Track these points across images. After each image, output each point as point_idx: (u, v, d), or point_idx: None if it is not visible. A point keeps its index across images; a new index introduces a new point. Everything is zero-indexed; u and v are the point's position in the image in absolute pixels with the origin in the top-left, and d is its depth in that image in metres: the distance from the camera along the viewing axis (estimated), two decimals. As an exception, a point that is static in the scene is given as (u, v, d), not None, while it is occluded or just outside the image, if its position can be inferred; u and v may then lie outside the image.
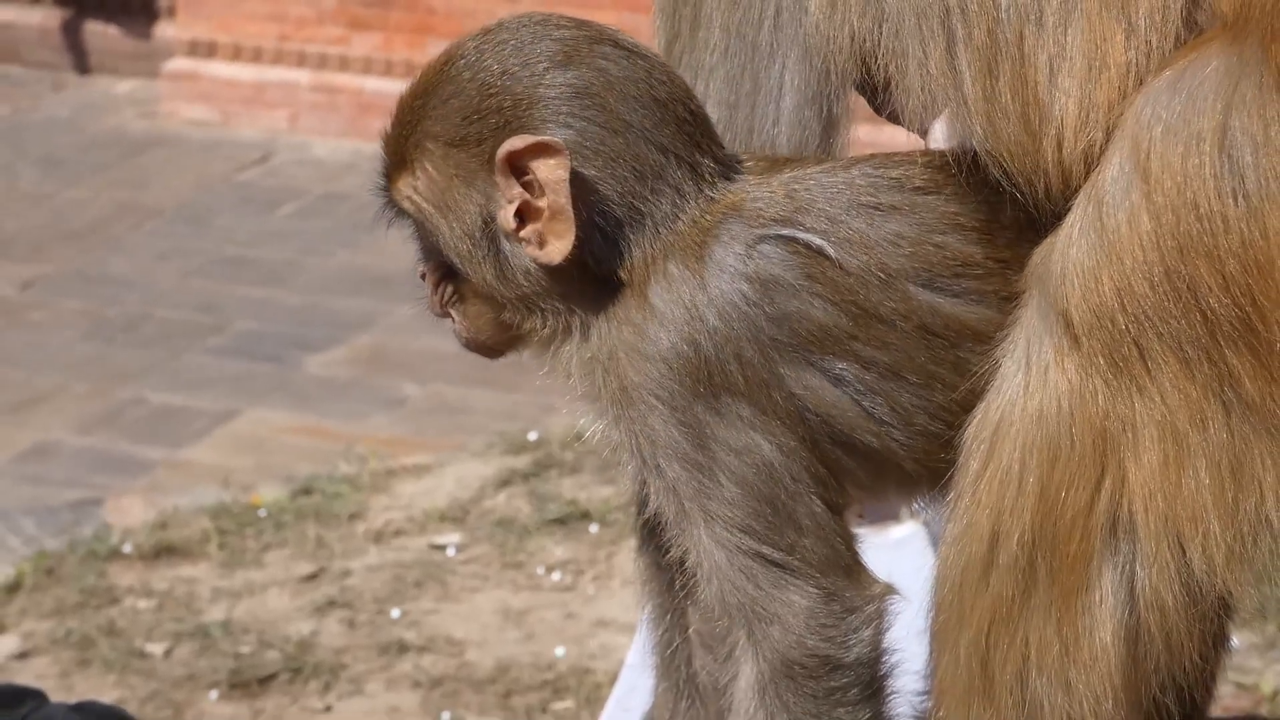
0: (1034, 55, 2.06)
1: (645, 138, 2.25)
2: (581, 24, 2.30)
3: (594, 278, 2.26)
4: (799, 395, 2.19)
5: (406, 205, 2.36)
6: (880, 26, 2.18)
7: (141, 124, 12.67)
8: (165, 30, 13.04)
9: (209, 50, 12.72)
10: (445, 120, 2.29)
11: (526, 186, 2.24)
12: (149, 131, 12.57)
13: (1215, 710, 2.75)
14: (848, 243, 2.20)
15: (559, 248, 2.24)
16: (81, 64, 13.34)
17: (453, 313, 2.41)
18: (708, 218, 2.22)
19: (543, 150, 2.22)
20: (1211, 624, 2.05)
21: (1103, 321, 1.97)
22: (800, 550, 2.16)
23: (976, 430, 2.07)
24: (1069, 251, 2.00)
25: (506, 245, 2.28)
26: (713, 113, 2.31)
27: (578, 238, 2.25)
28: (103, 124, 12.71)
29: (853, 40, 2.22)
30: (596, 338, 2.27)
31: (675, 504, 2.21)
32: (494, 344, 2.45)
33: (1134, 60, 2.01)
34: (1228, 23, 1.95)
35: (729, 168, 2.26)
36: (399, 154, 2.37)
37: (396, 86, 10.16)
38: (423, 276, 2.40)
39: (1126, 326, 1.96)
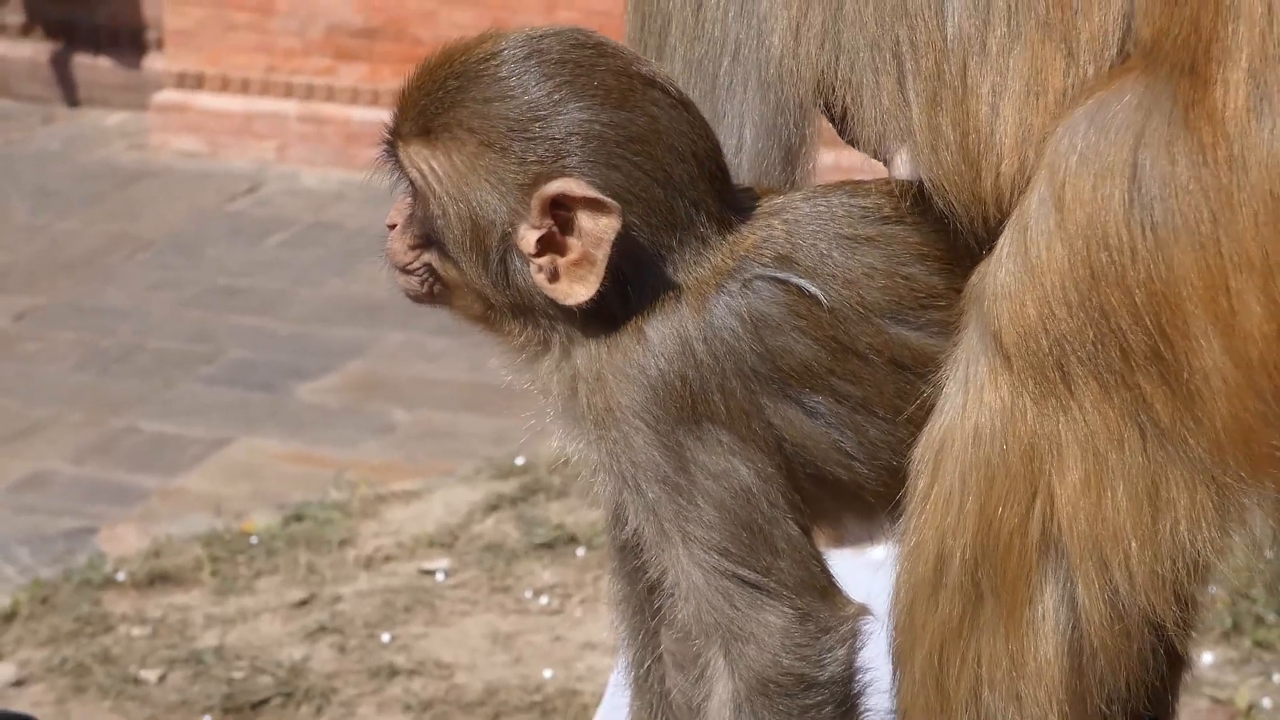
0: (977, 85, 2.07)
1: (681, 191, 2.24)
2: (632, 58, 2.29)
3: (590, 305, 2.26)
4: (777, 425, 2.20)
5: (414, 175, 2.30)
6: (838, 59, 2.19)
7: (132, 155, 12.67)
8: (154, 62, 13.05)
9: (197, 82, 12.73)
10: (486, 120, 2.25)
11: (559, 221, 2.22)
12: (139, 163, 12.57)
13: None
14: (831, 278, 2.21)
15: (579, 291, 2.23)
16: (71, 97, 13.34)
17: (414, 274, 2.36)
18: (729, 263, 2.22)
19: (596, 206, 2.20)
20: (1160, 639, 2.05)
21: (1029, 343, 1.98)
22: (776, 572, 2.17)
23: (923, 451, 2.09)
24: (998, 274, 2.02)
25: (515, 260, 2.26)
26: None
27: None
28: (93, 156, 12.71)
29: (813, 73, 2.23)
30: (582, 357, 2.26)
31: (655, 524, 2.21)
32: (441, 301, 2.40)
33: (1071, 86, 2.02)
34: (1145, 52, 1.97)
35: (744, 212, 2.25)
36: (423, 125, 2.31)
37: (384, 116, 10.10)
38: (391, 226, 2.34)
39: (1049, 348, 1.97)
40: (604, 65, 2.26)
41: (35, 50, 13.41)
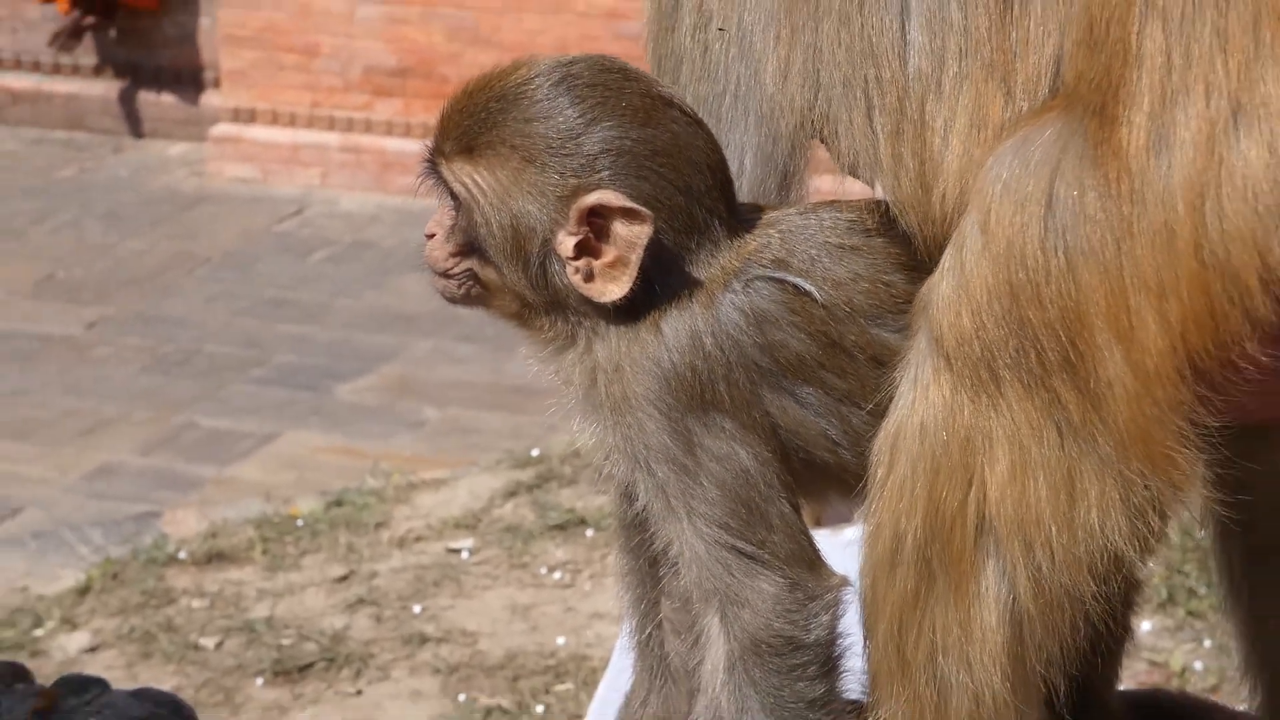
0: (932, 119, 2.07)
1: (699, 199, 2.22)
2: (652, 81, 2.29)
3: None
4: (773, 414, 2.19)
5: (458, 188, 2.25)
6: (817, 95, 2.18)
7: (191, 182, 12.68)
8: (211, 99, 13.06)
9: (250, 116, 12.73)
10: (527, 138, 2.22)
11: (594, 228, 2.20)
12: (198, 189, 12.58)
13: (1130, 684, 2.77)
14: (823, 280, 2.19)
15: (613, 290, 2.21)
16: (138, 129, 13.35)
17: (453, 278, 2.31)
18: (735, 264, 2.21)
19: (631, 214, 2.18)
20: (1096, 611, 2.04)
21: (964, 348, 1.98)
22: (770, 545, 2.16)
23: (881, 442, 2.09)
24: (940, 287, 2.01)
25: (553, 263, 2.23)
26: None
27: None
28: (157, 182, 12.72)
29: (798, 107, 2.22)
30: (602, 350, 2.23)
31: (663, 501, 2.19)
32: (477, 302, 2.36)
33: (1008, 121, 2.02)
34: (1066, 94, 1.96)
35: (746, 220, 2.25)
36: (466, 143, 2.26)
37: (416, 146, 10.13)
38: (430, 236, 2.30)
39: (981, 353, 1.97)
40: (629, 88, 2.24)
41: (106, 88, 13.42)
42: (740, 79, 2.27)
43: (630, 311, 2.22)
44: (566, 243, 2.21)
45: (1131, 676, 6.26)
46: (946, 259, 2.02)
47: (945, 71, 2.05)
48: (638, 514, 2.31)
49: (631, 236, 2.18)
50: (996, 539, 2.00)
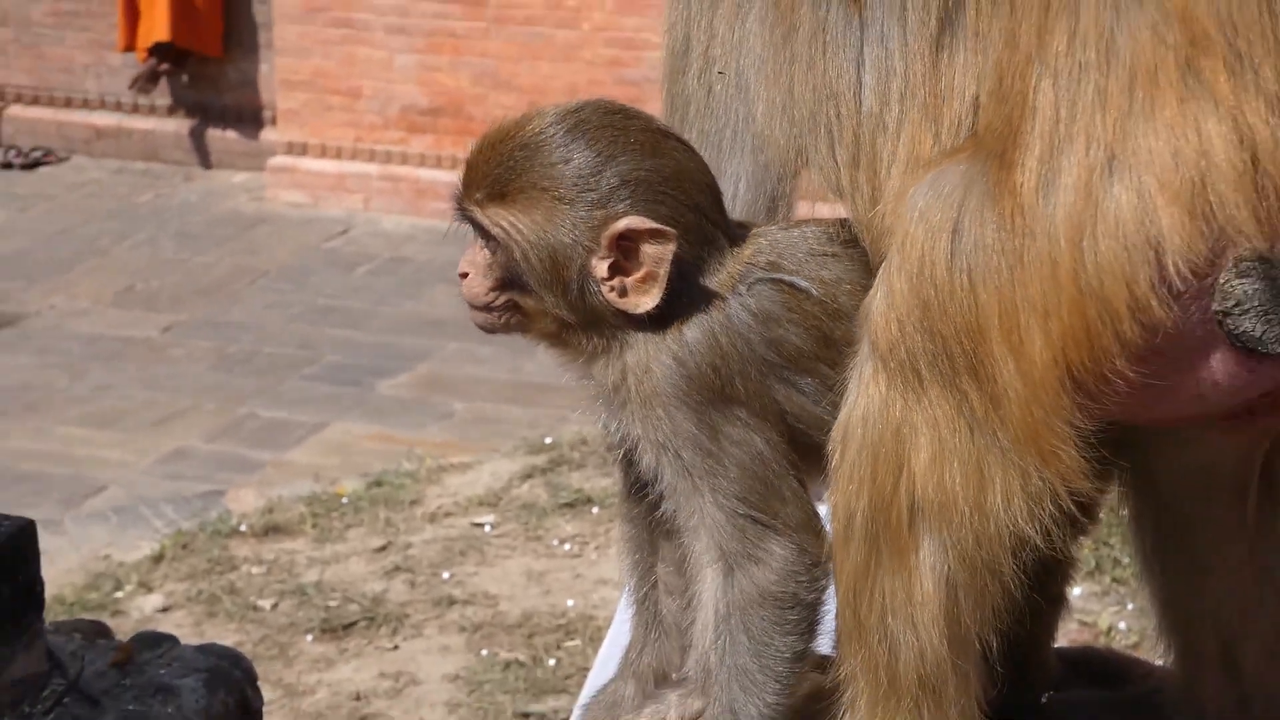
0: (880, 152, 2.07)
1: (706, 215, 2.22)
2: (647, 117, 2.27)
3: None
4: (780, 401, 2.18)
5: (497, 231, 2.21)
6: (793, 130, 2.18)
7: (252, 206, 12.68)
8: (269, 134, 13.06)
9: (302, 149, 12.73)
10: (555, 180, 2.19)
11: (623, 250, 2.18)
12: (257, 211, 12.57)
13: (1064, 642, 2.76)
14: (814, 281, 2.20)
15: (646, 302, 2.19)
16: (206, 161, 13.36)
17: (493, 311, 2.27)
18: (737, 269, 2.20)
19: (657, 234, 2.17)
20: (1019, 583, 2.03)
21: (893, 351, 1.98)
22: (783, 515, 2.15)
23: (835, 433, 2.09)
24: (875, 297, 2.02)
25: (589, 285, 2.20)
26: None
27: None
28: (222, 206, 12.72)
29: (780, 141, 2.23)
30: (631, 355, 2.21)
31: (688, 481, 2.18)
32: (515, 329, 2.33)
33: (935, 158, 2.02)
34: (976, 137, 1.96)
35: (739, 233, 2.25)
36: (499, 189, 2.21)
37: (445, 175, 10.21)
38: (463, 275, 2.26)
39: (906, 356, 1.97)
40: (633, 125, 2.23)
41: (178, 125, 13.42)
42: (738, 116, 2.27)
43: (655, 319, 2.21)
44: (600, 266, 2.19)
45: (1065, 635, 6.24)
46: (879, 274, 2.03)
47: (889, 112, 2.05)
48: (639, 486, 2.31)
49: (659, 254, 2.17)
50: (926, 518, 2.00)
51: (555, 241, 2.19)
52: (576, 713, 4.90)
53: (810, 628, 2.19)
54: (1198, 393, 1.90)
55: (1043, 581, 2.19)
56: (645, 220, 2.17)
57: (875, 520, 2.03)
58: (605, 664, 4.58)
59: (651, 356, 2.20)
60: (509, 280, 2.23)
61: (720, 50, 2.27)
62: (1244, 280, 1.79)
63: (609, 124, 2.22)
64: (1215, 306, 1.81)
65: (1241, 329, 1.80)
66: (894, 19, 2.02)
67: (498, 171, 2.22)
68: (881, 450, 2.01)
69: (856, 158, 2.09)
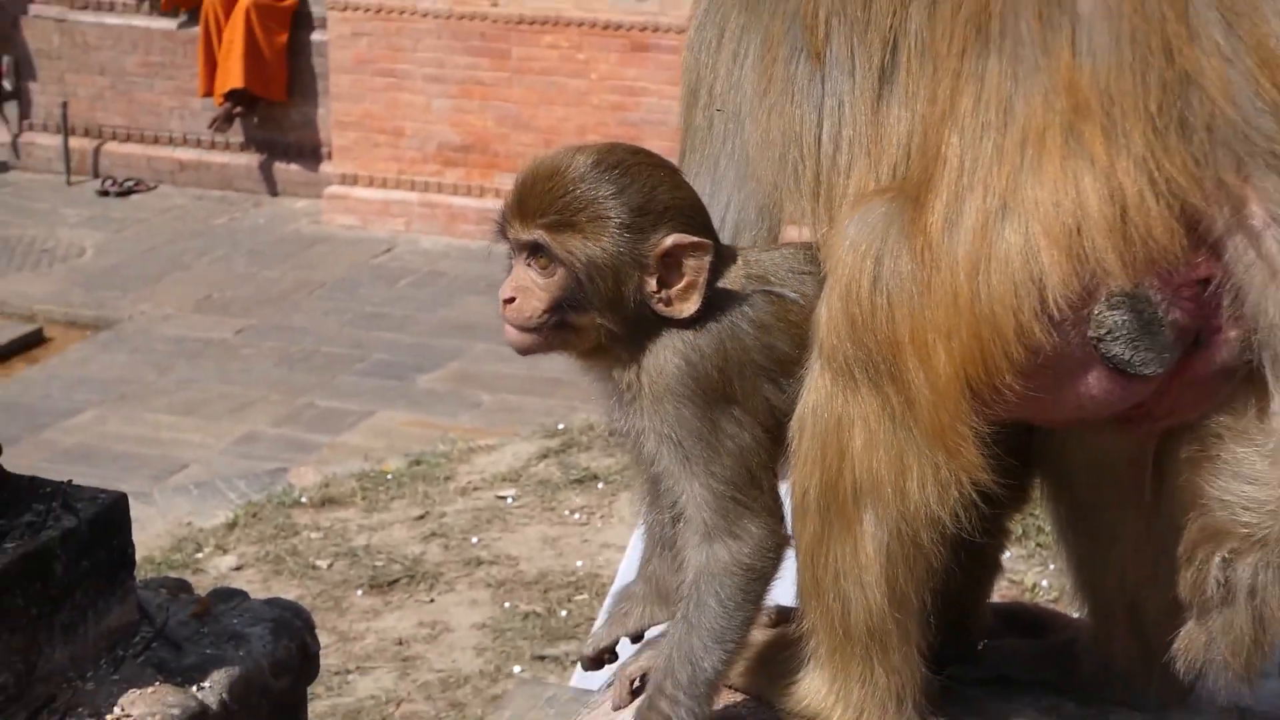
0: (834, 189, 2.06)
1: (715, 234, 2.19)
2: (656, 155, 2.24)
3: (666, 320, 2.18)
4: (770, 399, 2.16)
5: (565, 256, 2.12)
6: (770, 165, 2.17)
7: (311, 228, 12.68)
8: (325, 167, 13.06)
9: (353, 180, 12.73)
10: (619, 209, 2.12)
11: (667, 265, 2.12)
12: (315, 233, 12.58)
13: (996, 598, 2.76)
14: (799, 294, 2.16)
15: (688, 308, 2.13)
16: (272, 190, 13.36)
17: (522, 310, 2.17)
18: (737, 282, 2.17)
19: (697, 247, 2.12)
20: (941, 554, 2.02)
21: (835, 355, 1.97)
22: (759, 500, 2.11)
23: (794, 421, 2.08)
24: (820, 309, 2.02)
25: (640, 297, 2.14)
26: None
27: None
28: (286, 228, 12.73)
29: (762, 175, 2.21)
30: (649, 358, 2.16)
31: (686, 466, 2.14)
32: (556, 348, 2.22)
33: (867, 194, 2.01)
34: (899, 181, 1.96)
35: (730, 252, 2.22)
36: (567, 219, 2.12)
37: (474, 202, 10.21)
38: (509, 301, 2.15)
39: (843, 360, 1.96)
40: (656, 162, 2.20)
41: (249, 159, 13.43)
42: (735, 147, 2.25)
43: (682, 323, 2.16)
44: (651, 281, 2.14)
45: (996, 591, 6.26)
46: (824, 290, 2.03)
47: (840, 155, 2.04)
48: (659, 472, 2.27)
49: (698, 265, 2.13)
50: (865, 495, 2.00)
51: (619, 262, 2.14)
52: (600, 618, 4.84)
53: (761, 599, 2.16)
54: (1078, 404, 1.90)
55: (981, 550, 2.19)
56: (688, 236, 2.14)
57: (826, 495, 2.03)
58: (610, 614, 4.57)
59: (666, 359, 2.16)
60: (565, 301, 2.15)
61: (721, 89, 2.25)
62: (1114, 312, 1.80)
63: (641, 162, 2.19)
64: (1090, 333, 1.82)
65: (1113, 353, 1.82)
66: (846, 75, 2.02)
67: (562, 202, 2.15)
68: (828, 437, 2.01)
69: (816, 192, 2.08)
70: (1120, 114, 1.78)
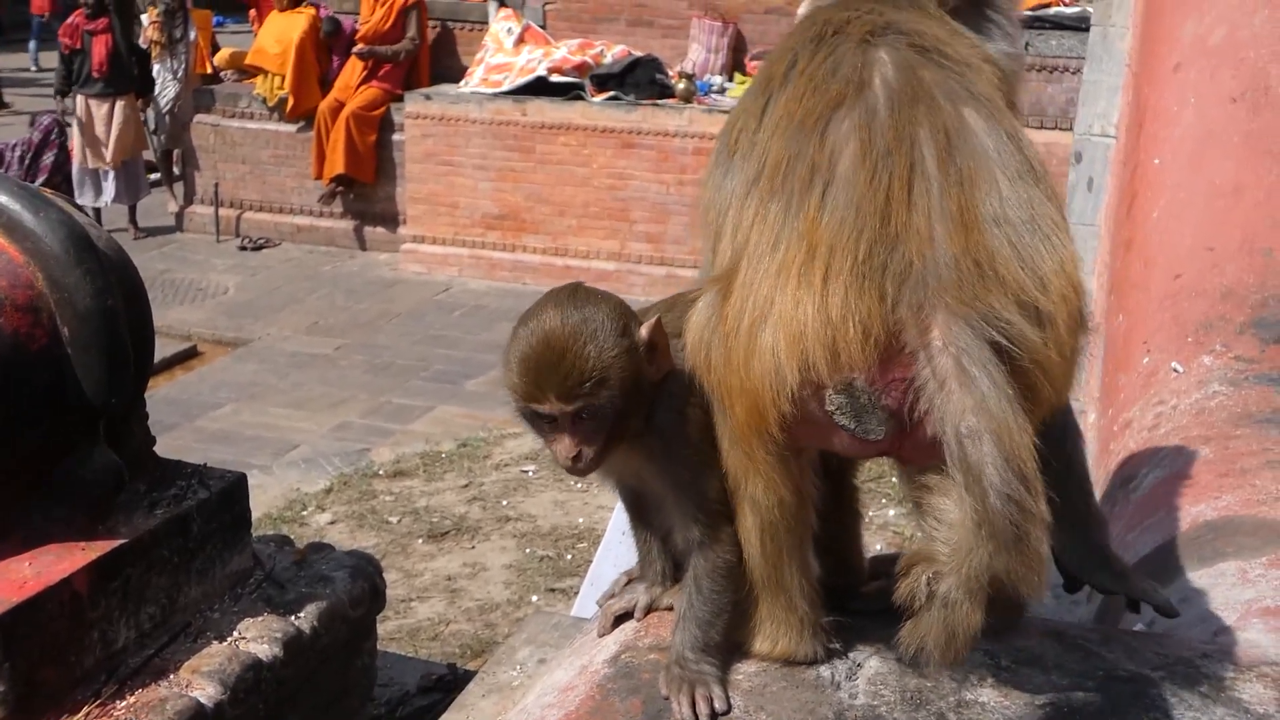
0: (721, 259, 1.99)
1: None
2: (575, 282, 2.09)
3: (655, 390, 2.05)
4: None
5: (609, 403, 1.95)
6: (709, 222, 2.11)
7: (390, 274, 12.66)
8: (402, 230, 13.04)
9: (421, 239, 12.72)
10: (613, 342, 1.96)
11: (650, 346, 2.01)
12: (393, 277, 12.56)
13: (881, 547, 2.69)
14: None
15: (667, 364, 2.02)
16: (363, 245, 13.33)
17: (585, 457, 1.99)
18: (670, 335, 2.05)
19: (656, 329, 1.99)
20: (801, 516, 1.99)
21: (705, 385, 1.96)
22: (728, 512, 2.02)
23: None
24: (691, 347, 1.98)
25: (645, 383, 2.01)
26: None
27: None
28: (373, 274, 12.70)
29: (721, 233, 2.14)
30: (656, 419, 2.02)
31: (688, 494, 2.03)
32: (600, 462, 2.03)
33: (718, 275, 1.94)
34: (725, 276, 1.91)
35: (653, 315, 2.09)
36: (582, 379, 1.94)
37: (509, 255, 10.05)
38: (575, 457, 1.98)
39: (709, 392, 1.96)
40: (580, 285, 2.06)
41: (347, 224, 13.40)
42: (717, 201, 2.14)
43: (658, 385, 2.04)
44: (649, 368, 2.02)
45: (883, 542, 6.24)
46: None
47: (725, 237, 1.97)
48: (639, 500, 2.19)
49: (661, 331, 2.03)
50: (736, 486, 1.99)
51: (631, 376, 2.00)
52: (584, 588, 4.76)
53: (742, 580, 2.08)
54: (839, 448, 1.89)
55: (841, 505, 2.16)
56: (654, 325, 2.03)
57: (734, 481, 2.01)
58: (600, 560, 4.54)
59: (663, 419, 2.04)
60: (608, 430, 1.99)
61: (710, 193, 2.19)
62: (838, 395, 1.79)
63: (584, 294, 2.03)
64: (827, 407, 1.81)
65: (842, 423, 1.81)
66: (738, 179, 1.96)
67: (580, 370, 1.95)
68: (720, 443, 2.00)
69: (715, 263, 2.03)
70: (837, 259, 1.77)
